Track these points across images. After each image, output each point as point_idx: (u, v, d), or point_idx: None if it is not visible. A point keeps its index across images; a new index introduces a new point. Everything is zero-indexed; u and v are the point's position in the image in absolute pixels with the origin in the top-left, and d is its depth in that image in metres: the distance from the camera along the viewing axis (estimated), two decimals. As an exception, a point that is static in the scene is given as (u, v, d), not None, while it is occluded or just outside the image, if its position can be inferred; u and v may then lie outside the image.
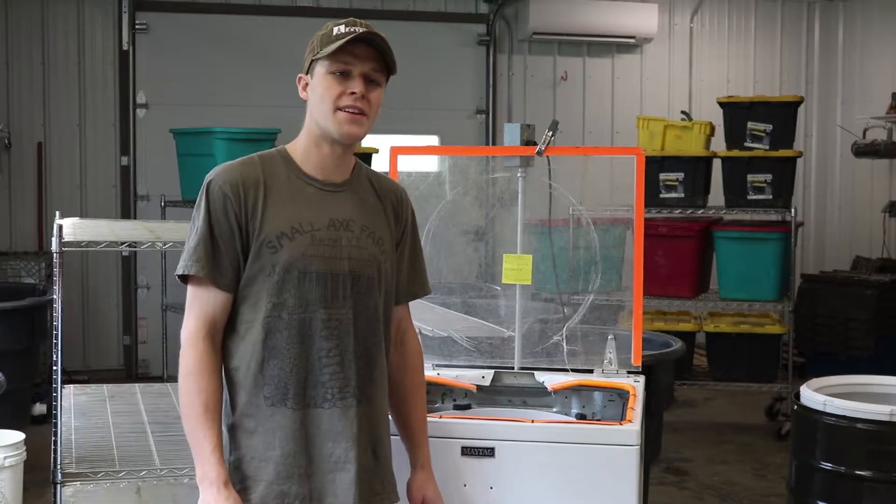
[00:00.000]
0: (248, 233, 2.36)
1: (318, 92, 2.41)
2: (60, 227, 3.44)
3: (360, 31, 2.39)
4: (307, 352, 2.38)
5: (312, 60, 2.43)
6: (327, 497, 2.38)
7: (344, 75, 2.40)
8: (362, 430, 2.41)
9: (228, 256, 2.36)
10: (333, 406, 2.38)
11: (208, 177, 2.40)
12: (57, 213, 4.03)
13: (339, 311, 2.40)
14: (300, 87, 2.49)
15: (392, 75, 2.48)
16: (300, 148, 2.47)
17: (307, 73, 2.47)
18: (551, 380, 3.25)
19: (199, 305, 2.37)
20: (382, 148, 6.86)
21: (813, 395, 3.77)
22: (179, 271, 2.37)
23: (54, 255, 3.42)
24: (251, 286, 2.37)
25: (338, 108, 2.39)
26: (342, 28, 2.40)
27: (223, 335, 2.41)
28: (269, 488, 2.35)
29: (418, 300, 2.73)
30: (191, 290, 2.38)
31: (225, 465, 2.32)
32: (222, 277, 2.36)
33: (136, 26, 8.45)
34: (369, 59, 2.41)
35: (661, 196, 7.12)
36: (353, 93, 2.39)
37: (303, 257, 2.37)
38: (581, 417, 3.22)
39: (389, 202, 2.56)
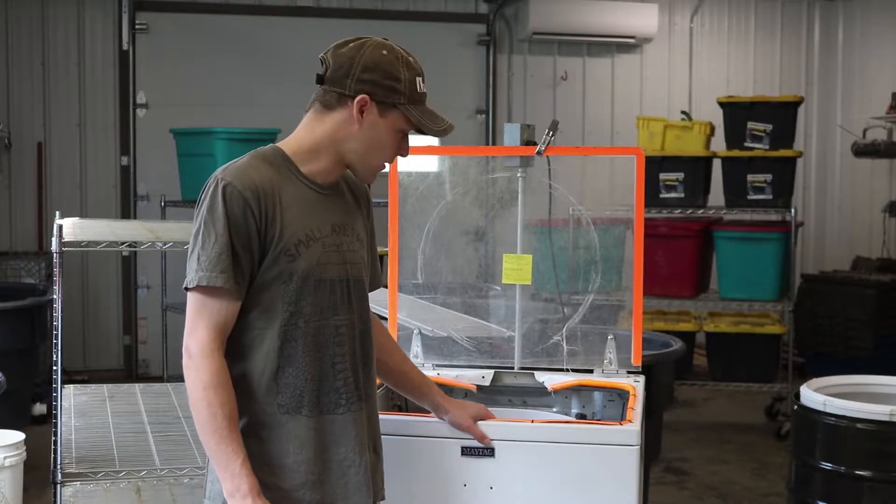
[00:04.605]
0: (266, 240, 2.29)
1: (381, 138, 2.36)
2: (60, 227, 3.44)
3: (446, 126, 2.40)
4: (321, 359, 2.35)
5: (396, 104, 2.34)
6: (338, 500, 2.37)
7: (404, 134, 2.41)
8: (366, 430, 2.43)
9: (245, 264, 2.28)
10: (347, 411, 2.38)
11: (221, 180, 2.27)
12: (57, 213, 4.03)
13: (346, 317, 2.39)
14: (356, 108, 2.32)
15: None
16: (307, 151, 2.38)
17: (374, 102, 2.33)
18: (551, 380, 3.25)
19: (212, 315, 2.27)
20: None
21: (813, 395, 3.77)
22: (203, 282, 2.24)
23: (54, 255, 3.42)
24: (264, 293, 2.31)
25: (384, 161, 2.42)
26: (422, 84, 2.39)
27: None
28: (284, 496, 2.32)
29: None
30: (201, 299, 2.27)
31: (255, 476, 2.25)
32: (239, 288, 2.28)
33: (136, 26, 8.45)
34: None
35: (661, 196, 7.13)
36: (401, 153, 2.43)
37: (318, 265, 2.33)
38: (581, 417, 3.22)
39: (361, 200, 2.54)
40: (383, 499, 2.54)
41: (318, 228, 2.36)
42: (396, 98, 2.34)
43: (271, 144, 2.42)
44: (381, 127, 2.35)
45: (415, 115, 2.35)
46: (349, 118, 2.34)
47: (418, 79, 2.38)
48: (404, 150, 2.43)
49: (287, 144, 2.41)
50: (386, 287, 3.19)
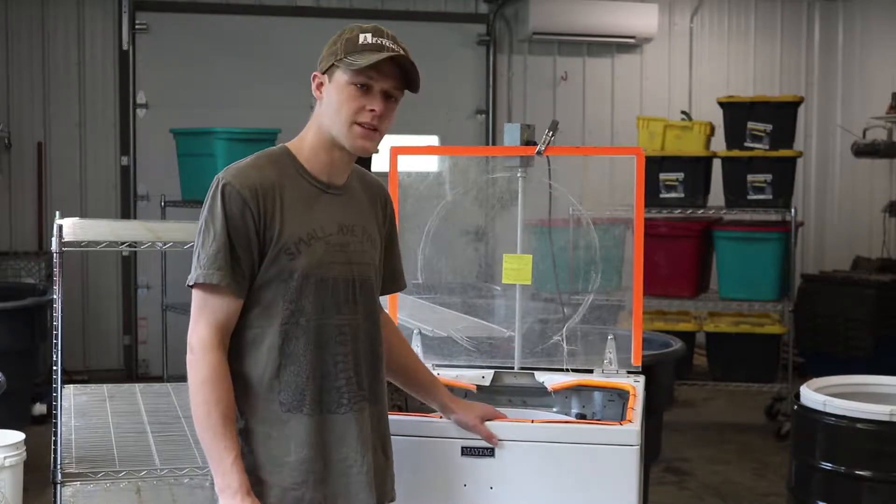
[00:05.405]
0: (265, 239, 2.31)
1: (336, 100, 2.36)
2: (60, 227, 3.43)
3: (389, 45, 2.36)
4: (323, 358, 2.36)
5: (333, 64, 2.37)
6: (340, 500, 2.38)
7: (364, 88, 2.35)
8: (373, 431, 2.44)
9: (245, 263, 2.30)
10: (349, 411, 2.38)
11: (221, 180, 2.32)
12: (57, 213, 4.03)
13: (349, 317, 2.40)
14: (314, 85, 2.41)
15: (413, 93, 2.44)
16: (307, 148, 2.42)
17: (324, 73, 2.39)
18: (551, 380, 3.25)
19: (212, 312, 2.30)
20: (382, 148, 6.87)
21: (813, 395, 3.77)
22: (200, 280, 2.28)
23: (54, 255, 3.42)
24: (264, 291, 2.33)
25: (353, 122, 2.36)
26: (369, 38, 2.36)
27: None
28: (285, 494, 2.33)
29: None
30: (202, 297, 2.30)
31: (246, 474, 2.27)
32: (238, 285, 2.30)
33: (136, 26, 8.45)
34: (392, 77, 2.38)
35: (661, 196, 7.13)
36: (371, 110, 2.36)
37: (320, 264, 2.35)
38: (581, 417, 3.22)
39: (378, 202, 2.56)
40: (393, 500, 2.54)
41: (321, 227, 2.37)
42: (334, 59, 2.37)
43: (280, 144, 2.47)
44: (332, 89, 2.38)
45: (347, 62, 2.34)
46: (318, 102, 2.42)
47: (364, 34, 2.37)
48: (372, 104, 2.35)
49: (292, 144, 2.45)
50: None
